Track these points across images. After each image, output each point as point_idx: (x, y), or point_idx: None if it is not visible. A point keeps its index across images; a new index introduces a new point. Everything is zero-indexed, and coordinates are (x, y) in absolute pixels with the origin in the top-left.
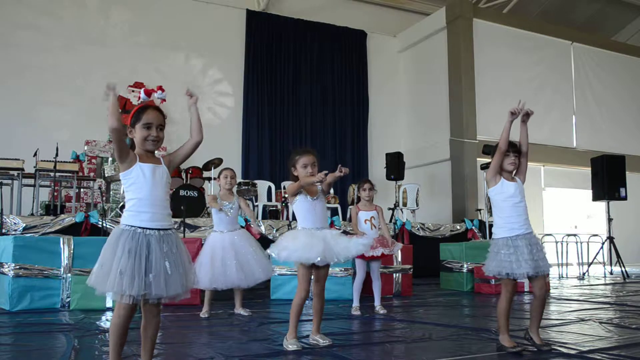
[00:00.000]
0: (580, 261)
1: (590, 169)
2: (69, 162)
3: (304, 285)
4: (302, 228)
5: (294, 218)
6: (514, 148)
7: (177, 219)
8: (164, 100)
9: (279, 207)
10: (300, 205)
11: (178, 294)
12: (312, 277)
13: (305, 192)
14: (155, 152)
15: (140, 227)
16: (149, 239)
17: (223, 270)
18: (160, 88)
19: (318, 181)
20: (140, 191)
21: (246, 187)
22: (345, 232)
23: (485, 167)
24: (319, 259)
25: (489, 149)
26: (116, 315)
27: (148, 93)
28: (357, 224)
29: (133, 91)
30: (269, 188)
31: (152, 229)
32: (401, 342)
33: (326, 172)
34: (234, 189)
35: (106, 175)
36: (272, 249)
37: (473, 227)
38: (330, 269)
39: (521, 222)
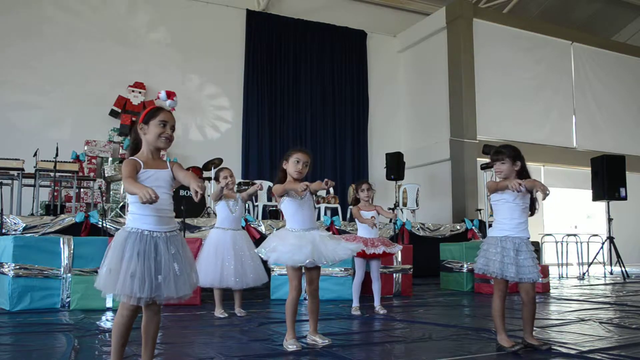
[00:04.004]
0: (580, 261)
1: (590, 169)
2: (69, 162)
3: (295, 284)
4: (290, 229)
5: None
6: (498, 156)
7: (177, 219)
8: (174, 108)
9: (279, 207)
10: (288, 206)
11: (186, 294)
12: (305, 278)
13: (293, 193)
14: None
15: (147, 230)
16: (156, 240)
17: (221, 269)
18: (173, 95)
19: (301, 190)
20: None
21: (246, 187)
22: (343, 232)
23: (485, 167)
24: (307, 261)
25: (489, 149)
26: (120, 315)
27: (169, 95)
28: (360, 219)
29: (133, 91)
30: (269, 188)
31: (159, 231)
32: (401, 342)
33: (307, 183)
34: (234, 188)
35: (106, 175)
36: (261, 249)
37: (473, 227)
38: (330, 269)
39: (513, 224)
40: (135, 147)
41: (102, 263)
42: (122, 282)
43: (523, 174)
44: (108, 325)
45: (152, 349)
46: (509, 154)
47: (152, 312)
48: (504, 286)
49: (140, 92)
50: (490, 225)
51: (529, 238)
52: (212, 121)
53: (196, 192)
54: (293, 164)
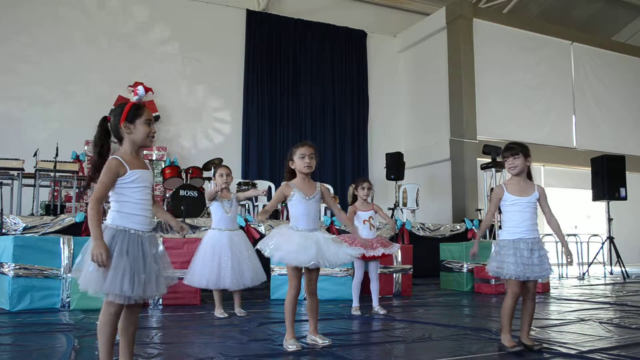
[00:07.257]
0: (580, 261)
1: (590, 169)
2: (69, 162)
3: (293, 283)
4: (295, 227)
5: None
6: (511, 151)
7: (177, 219)
8: (144, 102)
9: (279, 207)
10: (296, 206)
11: (164, 292)
12: (304, 278)
13: (303, 192)
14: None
15: (133, 229)
16: (142, 240)
17: (218, 270)
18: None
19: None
20: (134, 195)
21: (246, 187)
22: (343, 232)
23: (485, 167)
24: (312, 262)
25: (489, 149)
26: (107, 313)
27: (147, 90)
28: (355, 221)
29: (132, 91)
30: (269, 188)
31: (143, 231)
32: (401, 342)
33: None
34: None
35: None
36: (262, 245)
37: (473, 227)
38: (330, 269)
39: (525, 226)
40: (103, 146)
41: (81, 261)
42: (111, 281)
43: (529, 173)
44: None
45: (132, 350)
46: (522, 150)
47: (134, 313)
48: (518, 287)
49: None
50: (492, 226)
51: (539, 237)
52: (212, 121)
53: (181, 229)
54: (299, 160)
